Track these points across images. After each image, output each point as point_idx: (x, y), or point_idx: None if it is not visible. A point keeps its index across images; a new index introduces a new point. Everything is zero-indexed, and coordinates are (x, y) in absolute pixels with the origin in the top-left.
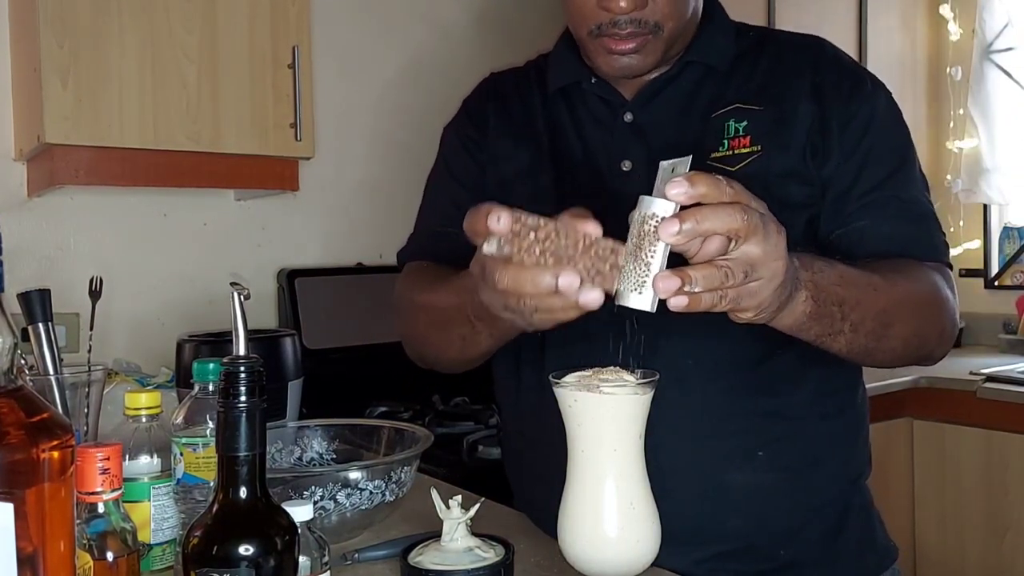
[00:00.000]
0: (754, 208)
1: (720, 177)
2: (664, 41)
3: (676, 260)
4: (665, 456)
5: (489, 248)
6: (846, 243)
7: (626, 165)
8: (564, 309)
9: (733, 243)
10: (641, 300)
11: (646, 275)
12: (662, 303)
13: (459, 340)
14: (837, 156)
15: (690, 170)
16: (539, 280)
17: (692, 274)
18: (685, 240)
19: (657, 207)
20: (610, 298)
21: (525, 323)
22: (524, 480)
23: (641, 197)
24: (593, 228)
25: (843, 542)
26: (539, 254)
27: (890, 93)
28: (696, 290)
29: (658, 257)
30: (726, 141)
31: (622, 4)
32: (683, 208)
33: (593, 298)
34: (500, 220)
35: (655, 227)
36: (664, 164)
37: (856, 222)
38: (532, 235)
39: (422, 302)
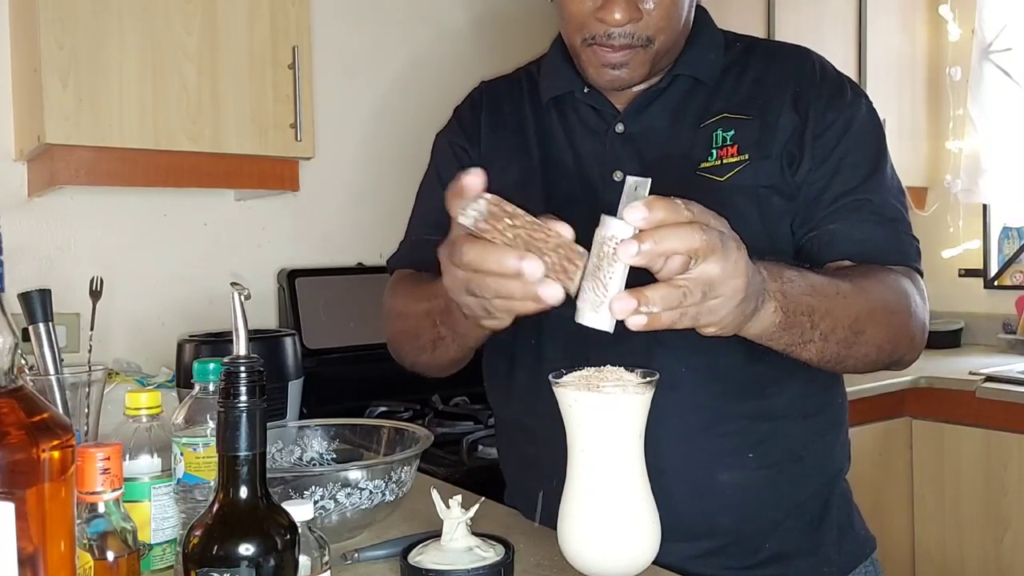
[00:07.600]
0: (713, 227)
1: (679, 200)
2: (653, 54)
3: (645, 275)
4: (658, 457)
5: (465, 219)
6: (816, 246)
7: (618, 176)
8: (523, 298)
9: (693, 261)
10: (599, 320)
11: (604, 295)
12: (621, 322)
13: (429, 344)
14: (808, 162)
15: (689, 191)
16: (504, 259)
17: (649, 295)
18: (644, 261)
19: (616, 228)
20: (571, 299)
21: (482, 310)
22: (518, 472)
23: (603, 217)
24: (566, 230)
25: (824, 533)
26: (512, 238)
27: (871, 102)
28: (653, 310)
29: (616, 278)
30: (714, 151)
31: (617, 16)
32: (643, 229)
33: (553, 293)
34: (475, 176)
35: (614, 248)
36: (630, 180)
37: (827, 225)
38: (508, 220)
39: (398, 308)
